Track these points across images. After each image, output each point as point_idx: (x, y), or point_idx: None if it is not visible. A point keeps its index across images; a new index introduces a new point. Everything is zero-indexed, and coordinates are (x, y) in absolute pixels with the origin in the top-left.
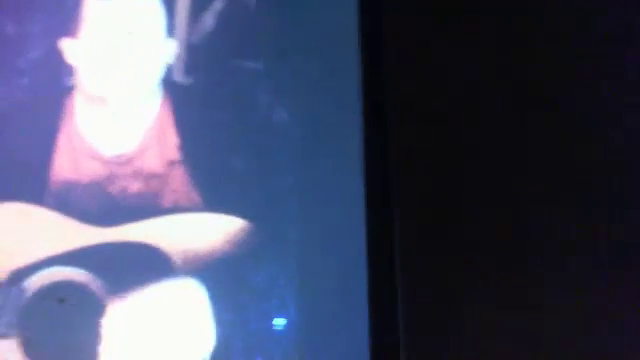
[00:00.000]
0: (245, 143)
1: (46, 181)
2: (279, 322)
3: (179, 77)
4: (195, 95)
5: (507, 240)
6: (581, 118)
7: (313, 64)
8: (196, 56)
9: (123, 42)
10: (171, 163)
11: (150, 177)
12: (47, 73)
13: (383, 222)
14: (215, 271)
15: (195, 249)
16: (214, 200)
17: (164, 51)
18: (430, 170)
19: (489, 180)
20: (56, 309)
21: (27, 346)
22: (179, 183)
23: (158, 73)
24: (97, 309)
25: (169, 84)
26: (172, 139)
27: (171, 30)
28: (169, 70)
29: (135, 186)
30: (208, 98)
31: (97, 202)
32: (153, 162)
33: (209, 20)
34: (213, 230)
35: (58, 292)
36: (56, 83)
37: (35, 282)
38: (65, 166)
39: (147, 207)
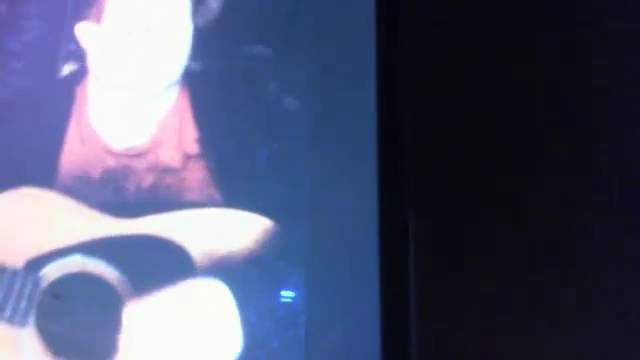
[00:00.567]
0: (258, 133)
1: (56, 169)
2: (287, 294)
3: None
4: (208, 84)
5: (523, 239)
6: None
7: (325, 49)
8: (203, 41)
9: (144, 28)
10: (188, 157)
11: (165, 172)
12: (51, 58)
13: (397, 210)
14: (232, 267)
15: (213, 245)
16: (232, 195)
17: (186, 38)
18: (446, 156)
19: (510, 175)
20: (73, 299)
21: (43, 335)
22: (196, 178)
23: (181, 61)
24: (115, 301)
25: (187, 73)
26: (190, 132)
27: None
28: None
29: (149, 180)
30: (219, 86)
31: (109, 195)
32: (169, 156)
33: (215, 3)
34: (231, 226)
35: (76, 283)
36: (61, 69)
37: (52, 272)
38: (75, 156)
39: (162, 202)
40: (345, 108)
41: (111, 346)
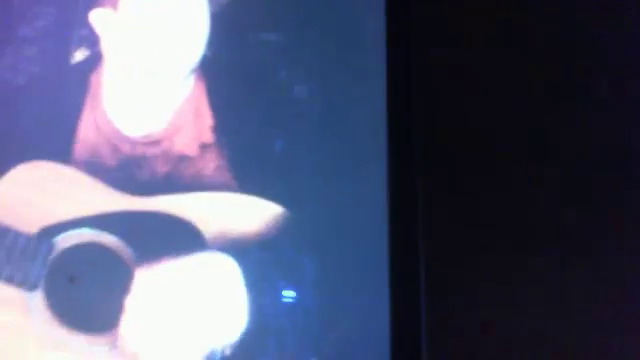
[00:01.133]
0: (270, 122)
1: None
2: (289, 294)
3: None
4: (223, 72)
5: (531, 228)
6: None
7: (336, 37)
8: (215, 28)
9: (161, 15)
10: (203, 146)
11: (180, 160)
12: (64, 44)
13: (406, 200)
14: (243, 247)
15: (225, 226)
16: (246, 183)
17: (204, 25)
18: (457, 145)
19: (521, 164)
20: (82, 269)
21: (51, 301)
22: (212, 167)
23: (199, 48)
24: (124, 273)
25: (203, 61)
26: (206, 120)
27: None
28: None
29: (164, 168)
30: (232, 74)
31: (123, 180)
32: (184, 144)
33: None
34: (244, 210)
35: (87, 254)
36: (75, 55)
37: (65, 240)
38: (89, 142)
39: (177, 187)
40: (355, 96)
41: (117, 317)
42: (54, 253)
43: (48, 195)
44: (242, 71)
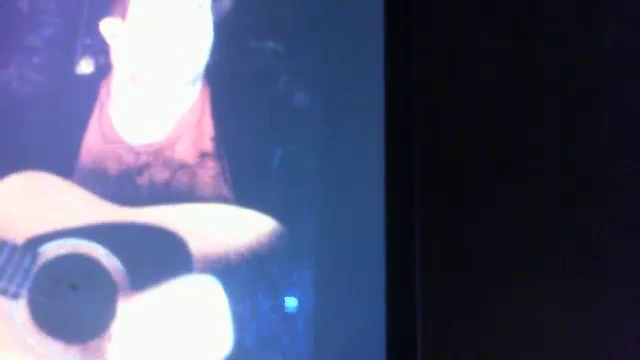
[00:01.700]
0: (270, 132)
1: (74, 162)
2: (290, 303)
3: None
4: (225, 81)
5: (526, 238)
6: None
7: (336, 46)
8: (217, 36)
9: (168, 25)
10: (203, 155)
11: (179, 168)
12: (71, 53)
13: (404, 210)
14: (232, 263)
15: (214, 240)
16: (243, 194)
17: (209, 34)
18: (455, 155)
19: (514, 176)
20: (67, 280)
21: (34, 309)
22: (210, 175)
23: (203, 57)
24: (107, 286)
25: (207, 71)
26: (208, 129)
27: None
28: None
29: (163, 176)
30: (234, 83)
31: (122, 187)
32: (184, 153)
33: None
34: (236, 223)
35: (72, 264)
36: (81, 64)
37: (51, 251)
38: (93, 150)
39: (173, 196)
40: (354, 104)
41: (99, 330)
42: (39, 263)
43: (38, 205)
44: (244, 79)
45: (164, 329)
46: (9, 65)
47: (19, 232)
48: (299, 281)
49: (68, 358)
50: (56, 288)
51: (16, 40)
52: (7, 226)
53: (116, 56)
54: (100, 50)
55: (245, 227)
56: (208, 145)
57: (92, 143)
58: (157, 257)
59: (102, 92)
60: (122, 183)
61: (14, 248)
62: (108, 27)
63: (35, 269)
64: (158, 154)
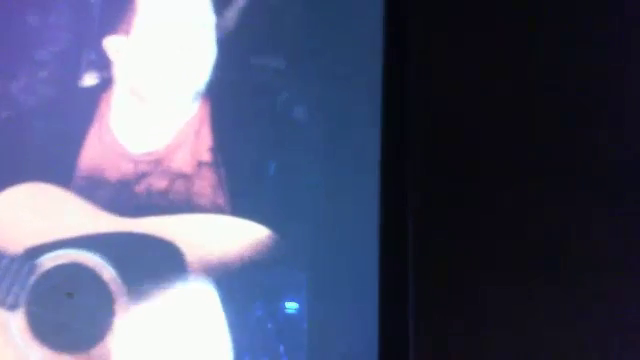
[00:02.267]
0: (267, 144)
1: (73, 170)
2: (285, 310)
3: None
4: (225, 95)
5: (522, 243)
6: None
7: (335, 63)
8: (220, 53)
9: (171, 41)
10: (200, 164)
11: (177, 177)
12: (77, 67)
13: (398, 222)
14: (228, 272)
15: (210, 249)
16: (239, 204)
17: (211, 51)
18: (449, 168)
19: (506, 182)
20: (63, 290)
21: (31, 321)
22: (206, 185)
23: (205, 73)
24: (104, 296)
25: (208, 85)
26: (206, 140)
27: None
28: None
29: (161, 184)
30: (234, 97)
31: (121, 196)
32: (182, 162)
33: (232, 16)
34: (231, 233)
35: (69, 274)
36: (86, 78)
37: (48, 261)
38: (93, 159)
39: (171, 205)
40: (350, 119)
41: (97, 338)
42: (37, 273)
43: (36, 216)
44: (243, 93)
45: (160, 337)
46: (18, 78)
47: (17, 243)
48: (294, 289)
49: None
50: (53, 298)
51: (25, 54)
52: (5, 237)
53: (119, 71)
54: (104, 65)
55: (241, 236)
56: (206, 155)
57: (91, 153)
58: (154, 266)
59: (103, 104)
60: (120, 192)
61: (12, 259)
62: (112, 43)
63: (33, 280)
64: (157, 163)
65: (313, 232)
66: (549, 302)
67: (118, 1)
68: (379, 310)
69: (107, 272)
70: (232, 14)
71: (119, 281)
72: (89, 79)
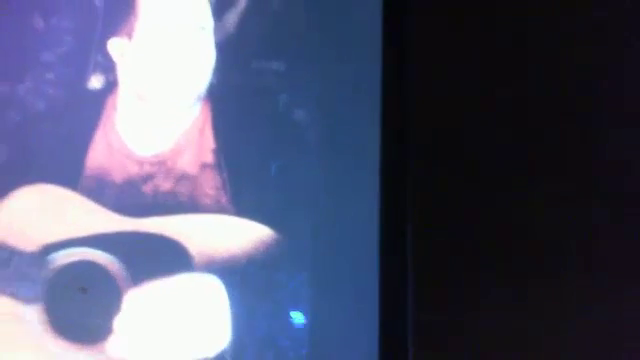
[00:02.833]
0: (269, 145)
1: (81, 171)
2: (296, 316)
3: None
4: (226, 98)
5: (520, 243)
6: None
7: (334, 64)
8: (220, 56)
9: (173, 45)
10: (204, 166)
11: (182, 178)
12: (82, 69)
13: (397, 223)
14: (231, 269)
15: (214, 248)
16: (241, 204)
17: (211, 55)
18: (448, 172)
19: (506, 182)
20: (77, 285)
21: (48, 313)
22: (210, 186)
23: (206, 77)
24: (115, 291)
25: (209, 88)
26: (209, 143)
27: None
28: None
29: (166, 185)
30: (235, 100)
31: (127, 196)
32: (187, 164)
33: (232, 19)
34: (235, 232)
35: (81, 270)
36: (91, 80)
37: (62, 258)
38: (100, 160)
39: (176, 205)
40: (350, 121)
41: (107, 331)
42: (51, 270)
43: (48, 216)
44: (244, 96)
45: (167, 330)
46: (25, 80)
47: (32, 241)
48: (296, 286)
49: (79, 357)
50: (67, 292)
51: (32, 56)
52: (21, 236)
53: (123, 74)
54: (109, 68)
55: (244, 235)
56: (209, 157)
57: (98, 154)
58: (160, 263)
59: (109, 106)
60: (127, 193)
61: (28, 256)
62: (116, 46)
63: (48, 275)
64: (161, 165)
65: (314, 231)
66: (549, 302)
67: (121, 5)
68: (379, 308)
69: (116, 268)
70: (232, 18)
71: (127, 277)
72: (95, 82)
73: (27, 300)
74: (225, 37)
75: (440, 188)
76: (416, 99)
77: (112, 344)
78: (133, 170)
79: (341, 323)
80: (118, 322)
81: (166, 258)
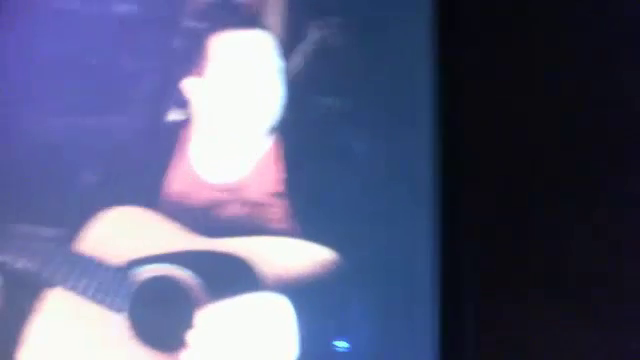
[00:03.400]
0: (332, 177)
1: (160, 195)
2: (341, 345)
3: None
4: (295, 131)
5: (574, 259)
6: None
7: (392, 100)
8: (289, 93)
9: (242, 82)
10: (273, 194)
11: (252, 205)
12: (162, 105)
13: (453, 254)
14: (297, 287)
15: (282, 267)
16: (309, 229)
17: (279, 92)
18: (503, 203)
19: (559, 196)
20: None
21: (133, 322)
22: (279, 212)
23: (274, 112)
24: (191, 304)
25: (281, 122)
26: (278, 173)
27: None
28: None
29: (237, 211)
30: (303, 134)
31: (203, 219)
32: (256, 193)
33: (299, 60)
34: (300, 254)
35: (162, 284)
36: (169, 115)
37: (146, 272)
38: (176, 185)
39: (246, 229)
40: (406, 152)
41: (183, 341)
42: (137, 282)
43: (134, 234)
44: (311, 130)
45: (237, 340)
46: (113, 113)
47: (120, 256)
48: (357, 306)
49: None
50: (150, 304)
51: (119, 92)
52: (110, 252)
53: (195, 110)
54: (185, 103)
55: (308, 257)
56: (278, 187)
57: (174, 180)
58: (232, 280)
59: (183, 138)
60: (202, 216)
61: (117, 270)
62: (188, 84)
63: (134, 287)
64: (233, 192)
65: (374, 255)
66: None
67: (196, 47)
68: (438, 334)
69: (194, 284)
70: (298, 58)
71: (203, 291)
72: (173, 115)
73: (114, 308)
74: (292, 76)
75: (498, 219)
76: (471, 133)
77: (187, 356)
78: (207, 196)
79: (399, 342)
80: (193, 335)
81: (237, 275)
